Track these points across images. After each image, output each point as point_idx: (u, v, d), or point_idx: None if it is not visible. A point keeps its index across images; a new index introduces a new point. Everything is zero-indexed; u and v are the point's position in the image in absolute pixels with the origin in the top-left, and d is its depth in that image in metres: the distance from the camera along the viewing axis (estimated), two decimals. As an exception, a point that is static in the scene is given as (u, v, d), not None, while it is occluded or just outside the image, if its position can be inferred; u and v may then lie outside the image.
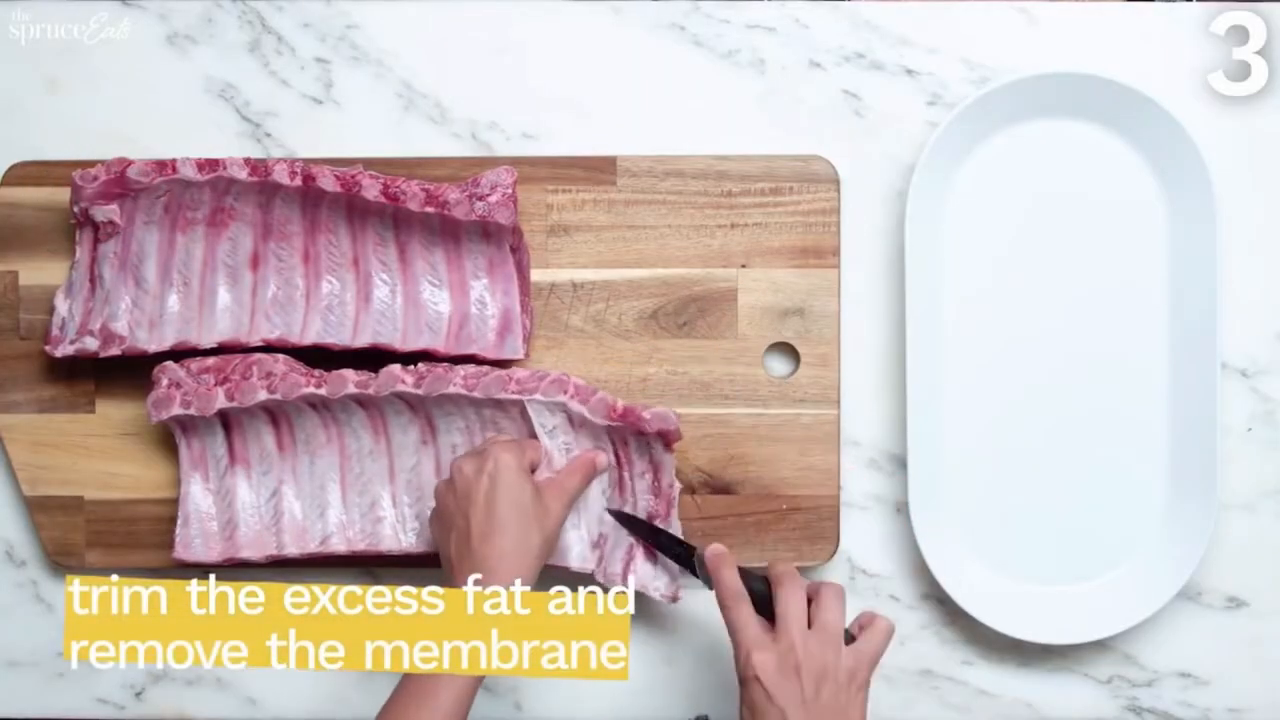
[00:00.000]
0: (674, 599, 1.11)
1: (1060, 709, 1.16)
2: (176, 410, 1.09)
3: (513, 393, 1.08)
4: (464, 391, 1.08)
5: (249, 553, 1.11)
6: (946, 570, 1.12)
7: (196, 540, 1.11)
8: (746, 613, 1.01)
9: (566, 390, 1.08)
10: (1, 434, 1.15)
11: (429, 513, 1.08)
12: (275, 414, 1.10)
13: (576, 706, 1.16)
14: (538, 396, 1.08)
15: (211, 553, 1.11)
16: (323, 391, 1.08)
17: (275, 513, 1.12)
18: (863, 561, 1.16)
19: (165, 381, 1.10)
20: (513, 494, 1.02)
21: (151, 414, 1.09)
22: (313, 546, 1.11)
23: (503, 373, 1.08)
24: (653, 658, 1.16)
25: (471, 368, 1.09)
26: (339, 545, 1.11)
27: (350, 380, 1.08)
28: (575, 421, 1.09)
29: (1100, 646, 1.16)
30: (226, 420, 1.11)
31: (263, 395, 1.08)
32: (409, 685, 0.98)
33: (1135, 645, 1.16)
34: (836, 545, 1.14)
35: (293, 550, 1.11)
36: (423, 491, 1.11)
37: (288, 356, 1.11)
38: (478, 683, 0.99)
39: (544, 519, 1.03)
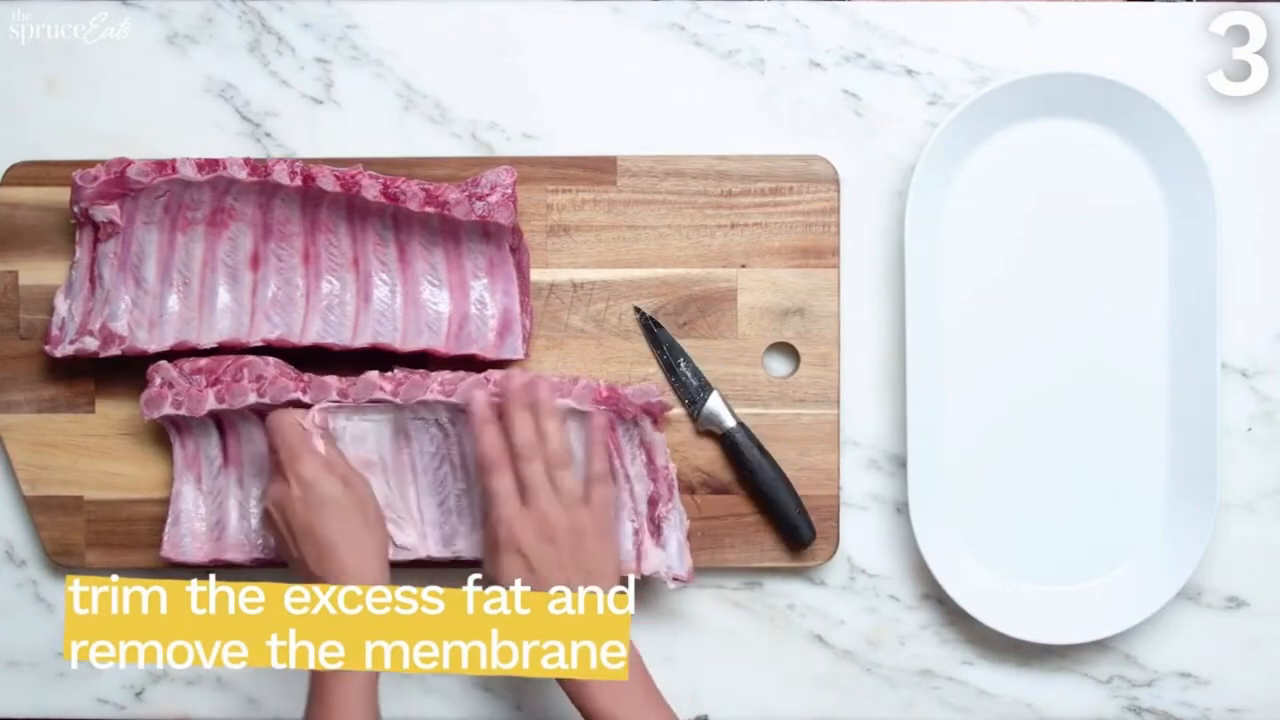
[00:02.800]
0: (687, 580, 1.10)
1: (1060, 709, 1.16)
2: (168, 410, 1.09)
3: (490, 395, 1.08)
4: (441, 398, 1.08)
5: (234, 555, 1.11)
6: (946, 570, 1.12)
7: (185, 539, 1.11)
8: (507, 481, 1.04)
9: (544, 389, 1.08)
10: (1, 434, 1.14)
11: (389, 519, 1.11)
12: (266, 417, 1.10)
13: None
14: None
15: (199, 553, 1.11)
16: (308, 398, 1.08)
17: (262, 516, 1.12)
18: (863, 561, 1.16)
19: (158, 381, 1.10)
20: (330, 512, 1.03)
21: (144, 412, 1.10)
22: None
23: (478, 376, 1.08)
24: (653, 658, 1.16)
25: (448, 373, 1.09)
26: None
27: (333, 387, 1.08)
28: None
29: (1100, 646, 1.16)
30: (220, 422, 1.11)
31: (253, 398, 1.08)
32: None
33: (1135, 645, 1.16)
34: (836, 545, 1.14)
35: (274, 554, 1.11)
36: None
37: (279, 360, 1.11)
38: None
39: (366, 512, 1.05)
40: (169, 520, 1.11)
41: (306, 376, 1.09)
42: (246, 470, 1.12)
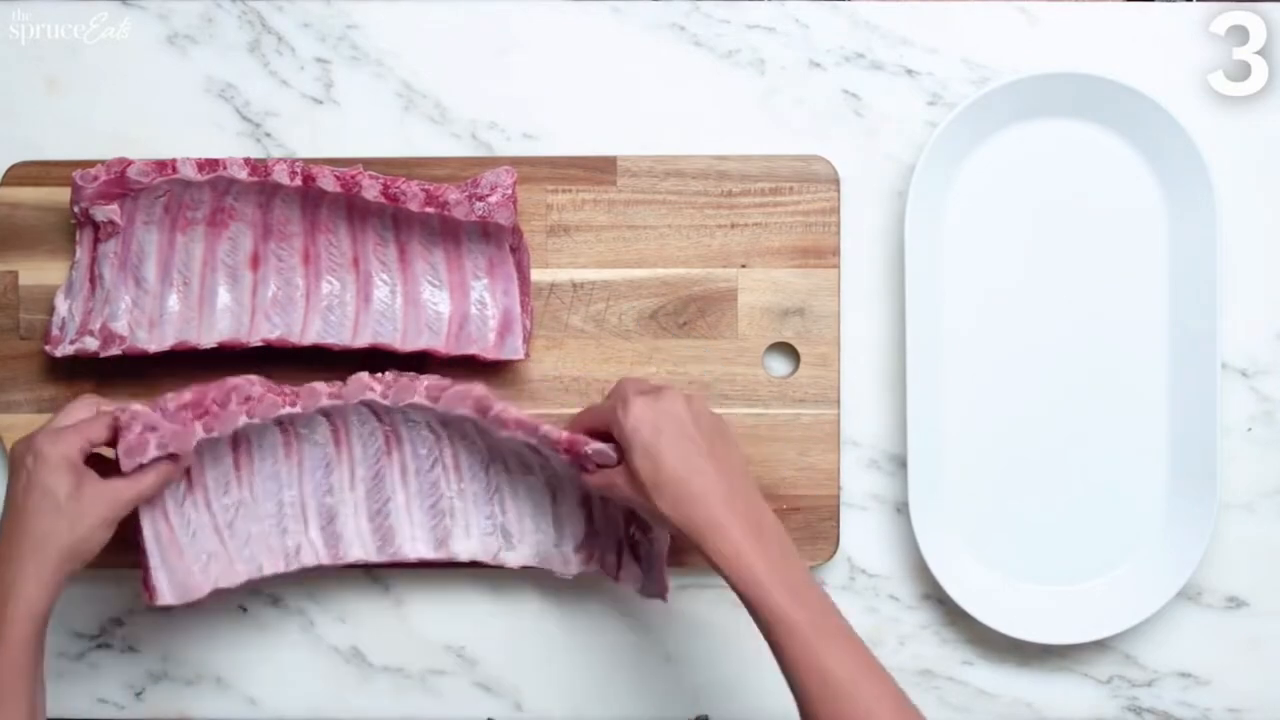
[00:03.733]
0: (663, 598, 1.09)
1: (1060, 709, 1.16)
2: (152, 454, 1.00)
3: (469, 409, 1.06)
4: (427, 403, 1.07)
5: (226, 582, 1.07)
6: (946, 570, 1.13)
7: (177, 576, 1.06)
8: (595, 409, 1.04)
9: (511, 426, 1.05)
10: (1, 434, 1.15)
11: (388, 523, 1.10)
12: (236, 434, 1.07)
13: (576, 706, 1.16)
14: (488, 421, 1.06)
15: (199, 588, 1.05)
16: (298, 409, 1.06)
17: (286, 528, 1.10)
18: (863, 561, 1.16)
19: (138, 427, 1.00)
20: (39, 494, 0.96)
21: (124, 463, 0.99)
22: (281, 566, 1.09)
23: (463, 388, 1.06)
24: (653, 658, 1.16)
25: (434, 378, 1.07)
26: (309, 559, 1.10)
27: (323, 393, 1.06)
28: None
29: (1100, 646, 1.16)
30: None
31: (243, 420, 1.04)
32: None
33: (1135, 645, 1.16)
34: (836, 545, 1.14)
35: (269, 571, 1.09)
36: (385, 499, 1.11)
37: (262, 378, 1.07)
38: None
39: (75, 523, 0.96)
40: (152, 565, 1.04)
41: (288, 389, 1.06)
42: (213, 492, 1.08)
